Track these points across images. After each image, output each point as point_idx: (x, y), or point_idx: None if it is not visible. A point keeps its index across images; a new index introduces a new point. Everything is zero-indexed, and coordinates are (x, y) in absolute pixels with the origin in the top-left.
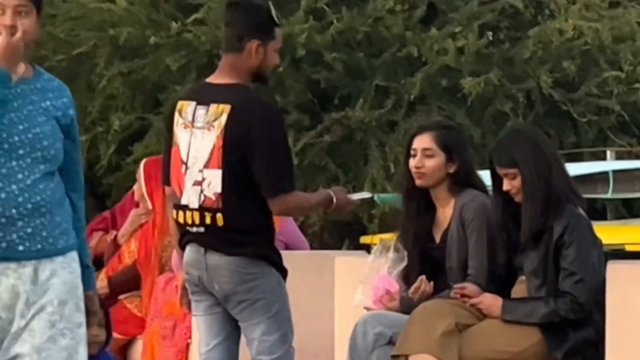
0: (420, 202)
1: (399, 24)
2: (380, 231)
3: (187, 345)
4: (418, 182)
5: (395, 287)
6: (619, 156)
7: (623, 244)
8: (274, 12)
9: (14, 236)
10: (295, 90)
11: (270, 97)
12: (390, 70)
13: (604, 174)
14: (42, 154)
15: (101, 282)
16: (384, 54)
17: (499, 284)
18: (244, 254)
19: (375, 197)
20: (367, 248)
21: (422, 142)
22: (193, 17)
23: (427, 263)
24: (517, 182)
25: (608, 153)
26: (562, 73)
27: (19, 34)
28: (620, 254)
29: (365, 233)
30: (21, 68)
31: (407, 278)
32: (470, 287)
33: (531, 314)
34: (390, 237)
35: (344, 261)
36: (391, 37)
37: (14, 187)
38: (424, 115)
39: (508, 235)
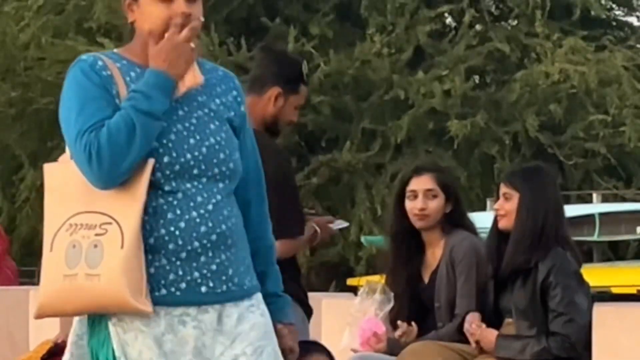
0: (411, 244)
1: (386, 67)
2: (367, 273)
3: None
4: (420, 224)
5: (382, 329)
6: (605, 199)
7: (609, 286)
8: (304, 69)
9: (196, 274)
10: (283, 133)
11: None
12: (378, 113)
13: (590, 216)
14: (220, 170)
15: None
16: (371, 96)
17: (487, 326)
18: None
19: (362, 239)
20: (354, 290)
21: (424, 183)
22: None
23: (416, 303)
24: (509, 206)
25: (594, 196)
26: (548, 116)
27: (194, 23)
28: (607, 296)
29: (352, 275)
30: None
31: (394, 319)
32: (475, 317)
33: (524, 351)
34: (377, 279)
35: (331, 303)
36: (378, 80)
37: (194, 213)
38: (411, 157)
39: (496, 274)
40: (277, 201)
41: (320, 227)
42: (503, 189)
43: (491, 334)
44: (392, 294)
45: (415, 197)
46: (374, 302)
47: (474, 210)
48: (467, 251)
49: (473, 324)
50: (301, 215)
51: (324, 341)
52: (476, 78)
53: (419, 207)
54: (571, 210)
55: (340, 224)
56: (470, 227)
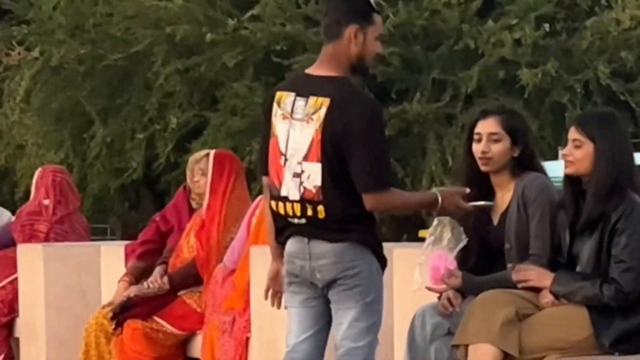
0: (481, 187)
1: (455, 16)
2: None
3: (247, 340)
4: (484, 167)
5: (454, 264)
6: None
7: None
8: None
9: None
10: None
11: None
12: (447, 64)
13: None
14: None
15: (162, 281)
16: (441, 47)
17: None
18: (348, 240)
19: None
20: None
21: (488, 126)
22: (249, 13)
23: (485, 246)
24: (580, 153)
25: None
26: (619, 63)
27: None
28: None
29: (423, 227)
30: None
31: (464, 261)
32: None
33: (575, 293)
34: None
35: (402, 253)
36: (447, 30)
37: None
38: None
39: (572, 222)
40: (364, 157)
41: (444, 197)
42: (574, 134)
43: (545, 272)
44: (462, 230)
45: (480, 140)
46: (444, 239)
47: (545, 160)
48: (540, 190)
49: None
50: (387, 168)
51: (395, 291)
52: (546, 26)
53: (481, 149)
54: None
55: (483, 203)
56: (540, 170)
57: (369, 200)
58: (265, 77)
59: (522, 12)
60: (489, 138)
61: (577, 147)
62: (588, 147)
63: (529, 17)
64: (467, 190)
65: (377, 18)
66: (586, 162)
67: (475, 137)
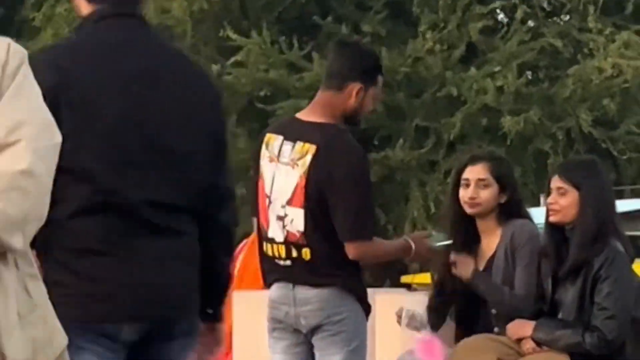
0: (467, 233)
1: (438, 64)
2: (421, 270)
3: None
4: (470, 210)
5: (441, 349)
6: None
7: None
8: (385, 54)
9: None
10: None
11: None
12: (430, 110)
13: None
14: None
15: None
16: (424, 94)
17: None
18: (333, 286)
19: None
20: (408, 287)
21: (477, 172)
22: (233, 59)
23: (469, 294)
24: (565, 201)
25: None
26: (601, 111)
27: None
28: None
29: (406, 272)
30: None
31: (444, 310)
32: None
33: (558, 340)
34: (427, 277)
35: (385, 298)
36: (430, 77)
37: None
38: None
39: (554, 269)
40: (348, 206)
41: (415, 241)
42: (557, 182)
43: (525, 322)
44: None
45: (468, 185)
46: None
47: (528, 207)
48: (529, 237)
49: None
50: (370, 218)
51: (377, 336)
52: (529, 74)
53: (469, 195)
54: (625, 205)
55: (441, 241)
56: (528, 217)
57: (353, 250)
58: (248, 123)
59: (505, 60)
60: (477, 184)
61: (562, 195)
62: (573, 194)
63: (512, 65)
64: (433, 232)
65: (380, 79)
66: (572, 209)
67: (463, 182)
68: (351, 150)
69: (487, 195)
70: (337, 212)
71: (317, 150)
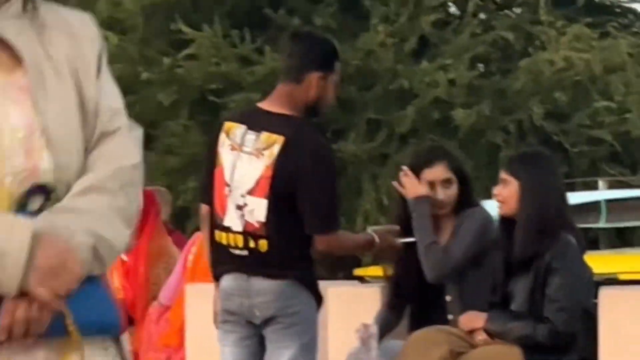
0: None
1: (389, 57)
2: (374, 263)
3: None
4: (442, 212)
5: None
6: (611, 186)
7: (616, 273)
8: (337, 46)
9: None
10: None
11: None
12: (382, 103)
13: (596, 203)
14: None
15: None
16: (376, 87)
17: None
18: (288, 278)
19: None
20: (360, 279)
21: (439, 173)
22: (184, 52)
23: (422, 282)
24: (507, 192)
25: (600, 183)
26: (553, 104)
27: None
28: (613, 282)
29: (359, 265)
30: None
31: (401, 305)
32: None
33: (510, 332)
34: (379, 270)
35: (337, 291)
36: (382, 70)
37: None
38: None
39: (506, 261)
40: (315, 199)
41: (379, 236)
42: (502, 174)
43: (477, 314)
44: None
45: (432, 188)
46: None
47: (480, 200)
48: (480, 217)
49: None
50: (336, 211)
51: (330, 329)
52: (481, 67)
53: (440, 198)
54: (577, 197)
55: (407, 239)
56: (478, 204)
57: (322, 242)
58: (200, 116)
59: (457, 53)
60: (443, 185)
61: (505, 185)
62: (513, 185)
63: (463, 58)
64: (398, 227)
65: (338, 65)
66: (512, 200)
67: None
68: (319, 144)
69: (452, 192)
70: (306, 205)
71: (286, 143)
